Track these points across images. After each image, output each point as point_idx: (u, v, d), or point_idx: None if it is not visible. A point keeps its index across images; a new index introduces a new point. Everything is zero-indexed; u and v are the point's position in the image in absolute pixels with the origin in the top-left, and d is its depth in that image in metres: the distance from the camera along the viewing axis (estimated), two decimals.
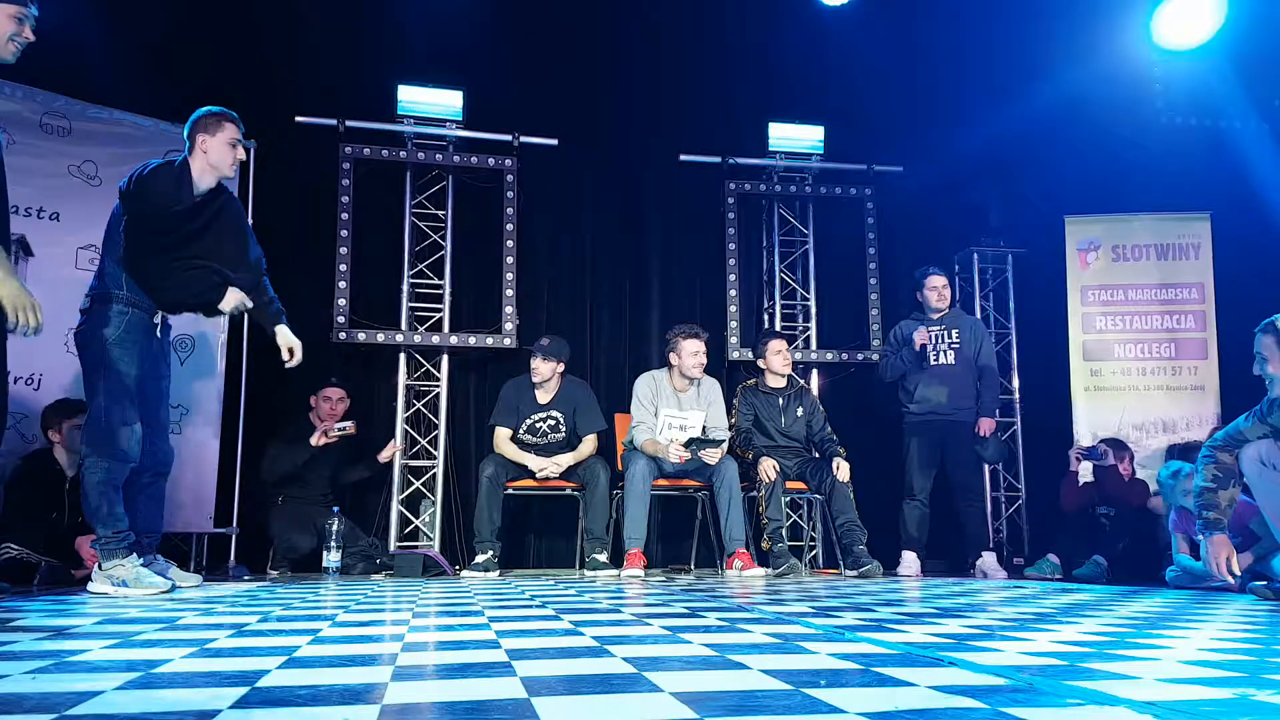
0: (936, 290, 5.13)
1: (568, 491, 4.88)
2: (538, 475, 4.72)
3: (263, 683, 1.22)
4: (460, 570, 4.75)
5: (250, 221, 4.92)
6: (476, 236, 5.60)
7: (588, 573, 4.56)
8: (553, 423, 4.88)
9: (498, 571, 4.55)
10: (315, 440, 4.74)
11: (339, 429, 4.72)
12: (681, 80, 6.13)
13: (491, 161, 5.51)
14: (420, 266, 5.46)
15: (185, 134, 3.36)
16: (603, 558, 4.59)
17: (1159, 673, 1.35)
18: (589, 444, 4.87)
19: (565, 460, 4.75)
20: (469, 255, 5.62)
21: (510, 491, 4.77)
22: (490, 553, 4.54)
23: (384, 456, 5.09)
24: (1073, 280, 5.96)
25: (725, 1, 6.12)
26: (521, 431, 4.86)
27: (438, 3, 5.40)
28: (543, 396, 4.87)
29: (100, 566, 3.10)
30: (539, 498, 5.00)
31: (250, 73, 5.22)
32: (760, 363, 5.14)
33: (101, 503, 3.08)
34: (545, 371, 4.80)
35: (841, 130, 6.06)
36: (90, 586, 3.12)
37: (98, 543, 3.11)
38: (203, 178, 3.30)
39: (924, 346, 5.03)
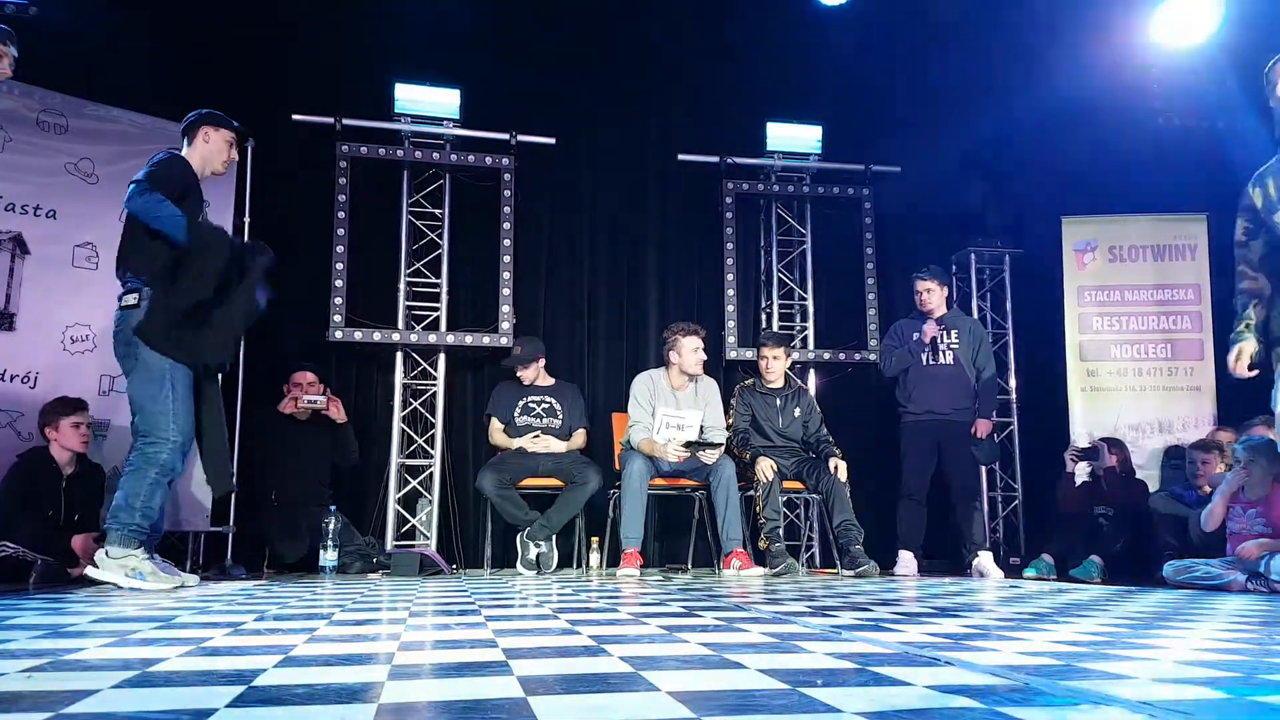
0: (920, 294, 5.15)
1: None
2: (529, 448, 4.91)
3: (259, 681, 1.22)
4: (457, 570, 4.75)
5: (248, 220, 4.96)
6: (474, 235, 5.60)
7: (520, 568, 4.70)
8: (547, 406, 5.09)
9: (555, 558, 4.74)
10: (284, 407, 4.79)
11: (309, 400, 4.76)
12: (679, 80, 6.13)
13: (489, 160, 5.50)
14: (417, 265, 5.45)
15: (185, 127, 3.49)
16: (536, 552, 4.69)
17: (1155, 672, 1.35)
18: (580, 436, 5.14)
19: (558, 446, 4.98)
20: (466, 254, 5.61)
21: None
22: (542, 543, 4.70)
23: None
24: (1069, 281, 5.97)
25: (724, 1, 6.12)
26: (517, 412, 5.04)
27: (435, 1, 5.39)
28: (538, 386, 5.18)
29: (109, 552, 3.07)
30: (534, 498, 5.00)
31: (247, 71, 5.22)
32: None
33: (147, 494, 3.12)
34: (532, 373, 5.12)
35: (839, 130, 6.05)
36: (96, 574, 3.08)
37: (118, 525, 3.09)
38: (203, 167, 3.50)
39: (934, 339, 5.06)
